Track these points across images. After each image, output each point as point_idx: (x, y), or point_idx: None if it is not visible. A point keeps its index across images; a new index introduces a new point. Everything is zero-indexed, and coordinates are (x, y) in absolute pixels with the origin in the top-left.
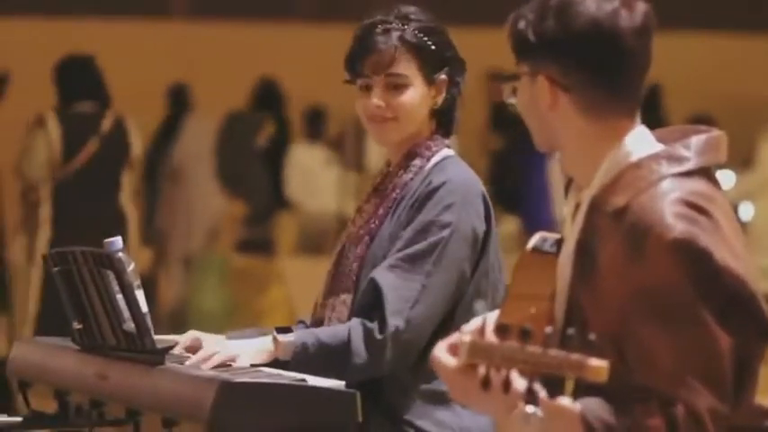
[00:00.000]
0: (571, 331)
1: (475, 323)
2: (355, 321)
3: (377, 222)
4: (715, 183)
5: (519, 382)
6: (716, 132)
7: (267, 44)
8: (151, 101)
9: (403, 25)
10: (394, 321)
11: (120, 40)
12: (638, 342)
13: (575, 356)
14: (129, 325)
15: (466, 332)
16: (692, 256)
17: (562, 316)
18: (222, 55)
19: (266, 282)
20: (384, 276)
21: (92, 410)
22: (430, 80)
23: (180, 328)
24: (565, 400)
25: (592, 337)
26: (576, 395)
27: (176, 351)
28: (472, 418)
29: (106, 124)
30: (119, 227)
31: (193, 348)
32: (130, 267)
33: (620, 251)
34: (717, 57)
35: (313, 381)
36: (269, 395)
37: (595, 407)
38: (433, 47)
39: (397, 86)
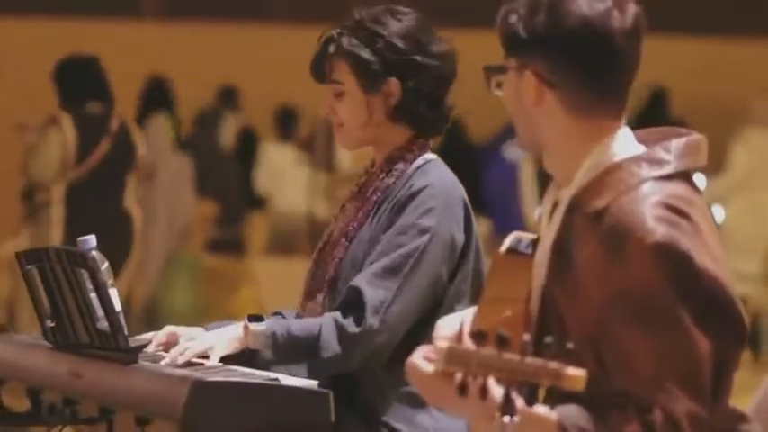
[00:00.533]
0: (549, 339)
1: (449, 325)
2: (328, 315)
3: (356, 225)
4: (694, 186)
5: (496, 390)
6: (696, 136)
7: (238, 45)
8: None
9: (344, 33)
10: (369, 320)
11: (93, 40)
12: (616, 345)
13: (552, 365)
14: (103, 323)
15: (442, 338)
16: (673, 260)
17: (536, 315)
18: (193, 56)
19: (237, 282)
20: (362, 278)
21: (65, 408)
22: (370, 87)
23: (151, 328)
24: (541, 408)
25: (569, 345)
26: (552, 400)
27: (152, 348)
28: (449, 421)
29: (114, 125)
30: (125, 227)
31: (170, 344)
32: (104, 266)
33: (598, 253)
34: (687, 60)
35: (286, 380)
36: (242, 394)
37: (572, 414)
38: (369, 54)
39: (338, 94)
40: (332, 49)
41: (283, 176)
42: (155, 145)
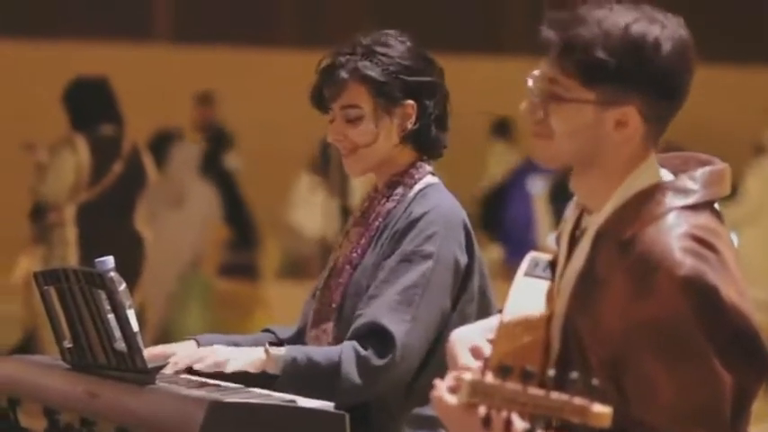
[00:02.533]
0: (574, 375)
1: (463, 341)
2: (347, 345)
3: (359, 252)
4: (718, 215)
5: (519, 424)
6: (720, 165)
7: (252, 69)
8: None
9: (357, 56)
10: (394, 353)
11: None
12: (639, 375)
13: (578, 401)
14: (120, 344)
15: (466, 370)
16: (700, 293)
17: (558, 342)
18: (206, 79)
19: (250, 306)
20: (377, 309)
21: (81, 429)
22: (388, 110)
23: None
24: None
25: (595, 381)
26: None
27: (167, 370)
28: None
29: (126, 147)
30: (136, 249)
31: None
32: (122, 287)
33: (624, 283)
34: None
35: (302, 402)
36: (258, 415)
37: None
38: (387, 77)
39: (351, 119)
40: (344, 74)
41: (297, 201)
42: (180, 171)
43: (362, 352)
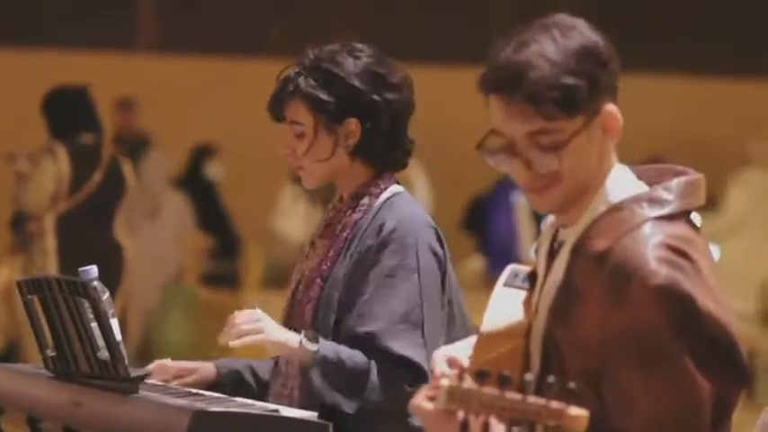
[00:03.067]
0: (551, 379)
1: (448, 359)
2: (374, 363)
3: (329, 264)
4: (694, 225)
5: (497, 428)
6: (695, 175)
7: (235, 78)
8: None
9: (304, 72)
10: (425, 382)
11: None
12: (617, 385)
13: (555, 404)
14: (104, 353)
15: (444, 375)
16: (675, 302)
17: (539, 355)
18: (190, 89)
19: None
20: (387, 338)
21: None
22: (329, 128)
23: (145, 362)
24: None
25: (572, 385)
26: None
27: (151, 380)
28: None
29: (106, 156)
30: (116, 258)
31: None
32: (105, 296)
33: (601, 294)
34: (675, 99)
35: (286, 411)
36: (242, 425)
37: None
38: (328, 95)
39: (297, 134)
40: (290, 88)
41: (281, 211)
42: (152, 181)
43: (393, 376)
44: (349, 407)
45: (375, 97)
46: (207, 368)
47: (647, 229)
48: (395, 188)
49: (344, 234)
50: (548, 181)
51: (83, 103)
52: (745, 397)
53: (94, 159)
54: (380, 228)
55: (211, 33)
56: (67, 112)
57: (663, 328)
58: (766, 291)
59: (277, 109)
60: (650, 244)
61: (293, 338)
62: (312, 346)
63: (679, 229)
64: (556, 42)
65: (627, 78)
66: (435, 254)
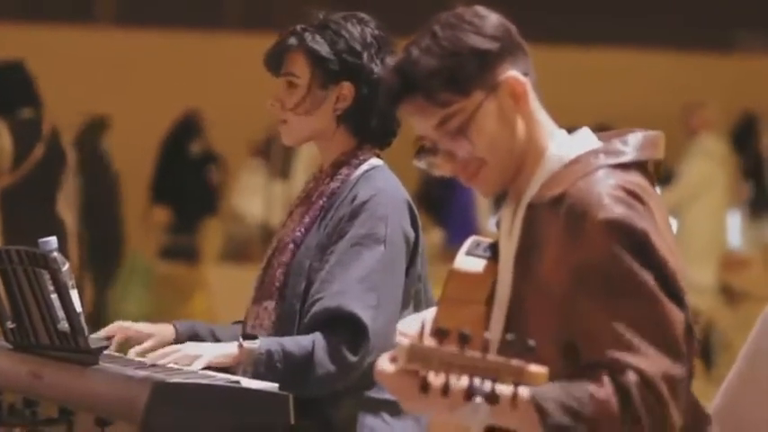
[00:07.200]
0: (511, 336)
1: (412, 325)
2: (319, 336)
3: (303, 230)
4: (651, 179)
5: (458, 383)
6: (654, 132)
7: (195, 52)
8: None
9: (308, 30)
10: (365, 340)
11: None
12: (583, 319)
13: (514, 362)
14: (64, 325)
15: (404, 335)
16: (630, 234)
17: (503, 321)
18: (150, 63)
19: (190, 289)
20: (340, 297)
21: (25, 410)
22: (324, 85)
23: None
24: (512, 388)
25: (532, 342)
26: None
27: (110, 350)
28: (402, 427)
29: (47, 129)
30: (59, 233)
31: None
32: (65, 267)
33: (559, 235)
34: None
35: (247, 383)
36: (203, 396)
37: (546, 389)
38: (328, 53)
39: (290, 85)
40: (293, 41)
41: (240, 185)
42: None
43: (334, 339)
44: (307, 393)
45: (374, 66)
46: (165, 332)
47: (601, 173)
48: (374, 161)
49: (320, 202)
50: (474, 167)
51: (20, 78)
52: (703, 369)
53: (35, 134)
54: (354, 198)
55: (168, 7)
56: (6, 88)
57: (619, 256)
58: (725, 262)
59: (275, 60)
60: (605, 184)
61: (231, 346)
62: (253, 344)
63: (634, 177)
64: (434, 36)
65: (581, 52)
66: (404, 229)
